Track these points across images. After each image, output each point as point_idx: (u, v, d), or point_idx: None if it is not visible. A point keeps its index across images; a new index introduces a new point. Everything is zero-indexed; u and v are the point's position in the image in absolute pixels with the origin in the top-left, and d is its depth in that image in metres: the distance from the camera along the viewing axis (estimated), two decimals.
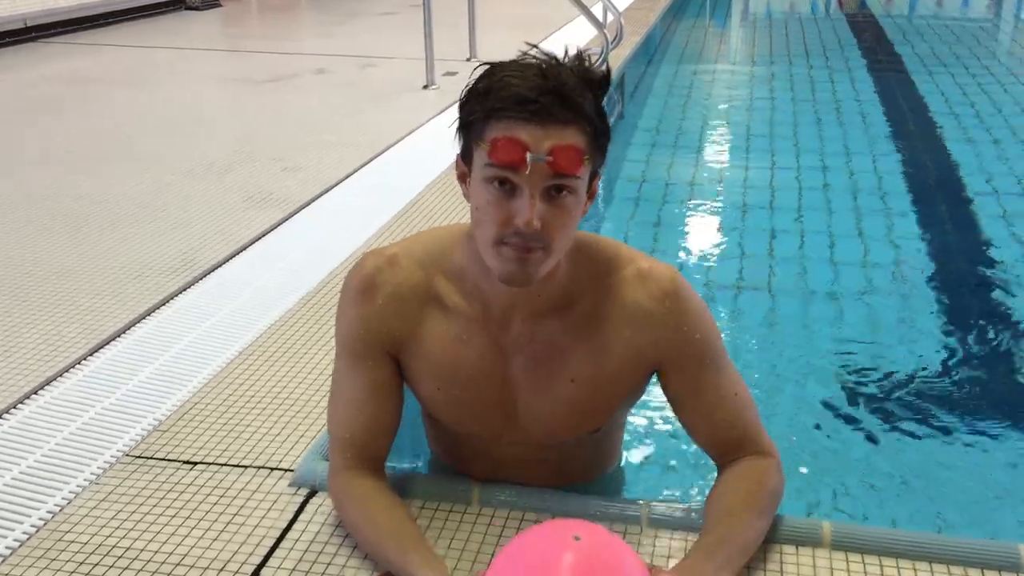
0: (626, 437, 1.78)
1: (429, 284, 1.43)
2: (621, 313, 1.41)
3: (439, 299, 1.43)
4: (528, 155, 1.22)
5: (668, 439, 2.13)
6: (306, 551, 1.50)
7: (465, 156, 1.33)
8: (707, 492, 1.49)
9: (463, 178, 1.35)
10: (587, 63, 1.29)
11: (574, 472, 1.63)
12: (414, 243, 1.48)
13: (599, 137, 1.28)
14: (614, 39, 5.73)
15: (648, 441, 2.16)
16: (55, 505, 1.68)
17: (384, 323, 1.43)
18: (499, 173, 1.24)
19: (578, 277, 1.41)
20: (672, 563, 1.45)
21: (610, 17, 6.17)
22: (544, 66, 1.25)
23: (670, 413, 1.52)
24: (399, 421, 1.50)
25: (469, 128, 1.30)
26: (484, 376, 1.44)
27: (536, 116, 1.22)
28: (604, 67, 1.31)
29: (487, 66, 1.30)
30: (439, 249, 1.45)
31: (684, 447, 2.06)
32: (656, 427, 2.18)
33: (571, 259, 1.40)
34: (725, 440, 1.47)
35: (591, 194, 1.34)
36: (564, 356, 1.42)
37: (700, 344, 1.43)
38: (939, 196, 4.25)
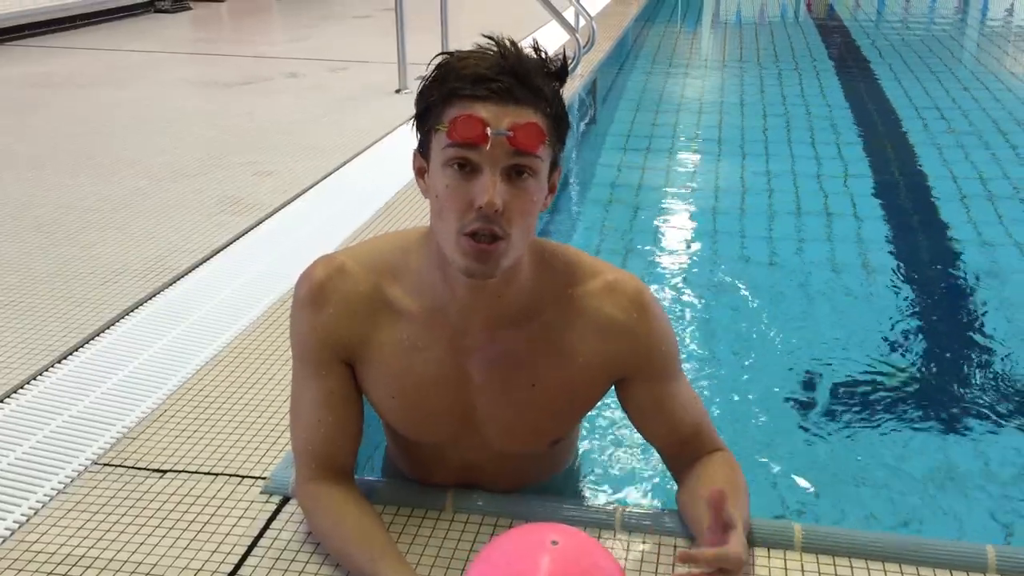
0: (598, 442, 1.78)
1: (381, 290, 1.41)
2: (587, 323, 1.40)
3: (392, 305, 1.41)
4: (488, 130, 1.21)
5: (639, 443, 2.14)
6: (278, 559, 1.49)
7: (423, 150, 1.32)
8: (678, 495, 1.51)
9: (421, 173, 1.34)
10: (545, 54, 1.30)
11: (531, 476, 1.63)
12: (365, 249, 1.47)
13: (558, 123, 1.28)
14: (586, 44, 5.75)
15: (619, 446, 2.16)
16: (22, 515, 1.66)
17: (335, 331, 1.41)
18: (459, 153, 1.23)
19: (542, 287, 1.40)
20: (647, 566, 1.46)
21: (582, 22, 6.20)
22: (503, 51, 1.26)
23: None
24: (361, 427, 1.48)
25: (427, 116, 1.29)
26: (441, 382, 1.42)
27: (495, 95, 1.22)
28: (562, 62, 1.32)
29: (444, 55, 1.29)
30: (391, 255, 1.43)
31: (655, 454, 2.07)
32: (625, 432, 2.19)
33: (535, 268, 1.39)
34: (686, 442, 1.50)
35: (551, 187, 1.33)
36: (525, 363, 1.41)
37: (665, 355, 1.46)
38: (906, 199, 4.31)
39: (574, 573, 1.14)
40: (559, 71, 1.29)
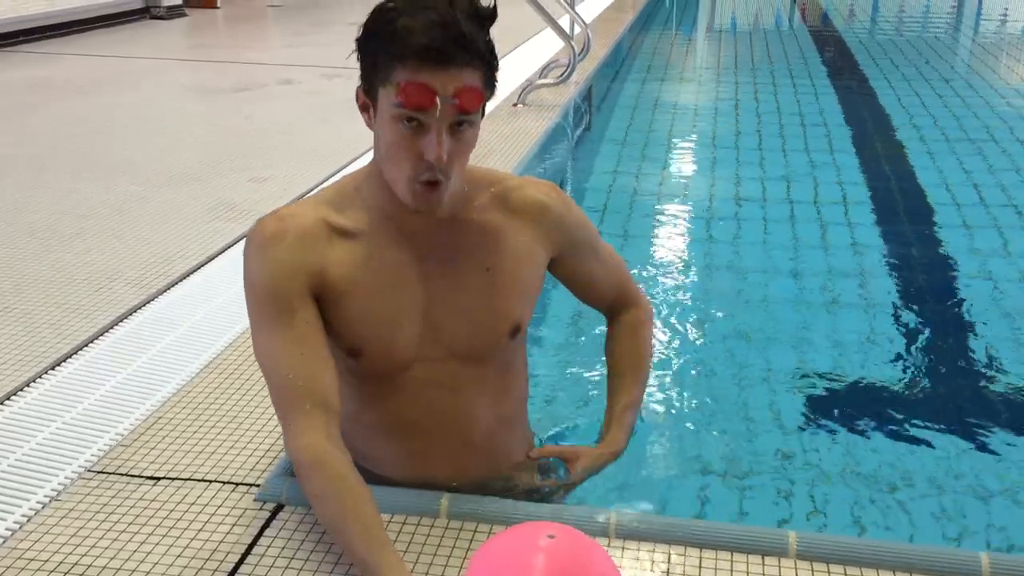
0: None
1: (327, 222, 1.50)
2: (518, 211, 1.58)
3: (341, 230, 1.51)
4: (437, 98, 1.34)
5: (632, 451, 2.14)
6: (272, 567, 1.49)
7: (367, 91, 1.43)
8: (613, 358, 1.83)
9: (366, 108, 1.45)
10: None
11: (487, 411, 1.62)
12: (298, 201, 1.58)
13: (492, 71, 1.42)
14: (581, 51, 5.76)
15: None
16: (14, 522, 1.65)
17: (299, 259, 1.47)
18: (408, 114, 1.36)
19: (470, 191, 1.56)
20: (641, 573, 1.46)
21: (577, 29, 6.21)
22: (438, 11, 1.34)
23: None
24: (336, 366, 1.49)
25: (373, 65, 1.40)
26: (400, 282, 1.52)
27: (440, 63, 1.34)
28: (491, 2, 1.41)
29: (385, 4, 1.38)
30: (326, 195, 1.55)
31: (650, 459, 2.07)
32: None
33: (465, 176, 1.53)
34: (614, 299, 1.82)
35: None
36: (475, 250, 1.55)
37: (587, 228, 1.71)
38: (901, 207, 4.32)
39: (570, 566, 1.16)
40: (488, 13, 1.39)
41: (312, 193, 1.59)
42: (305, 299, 1.48)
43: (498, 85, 1.44)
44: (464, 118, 1.38)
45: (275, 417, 1.94)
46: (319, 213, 1.51)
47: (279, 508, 1.64)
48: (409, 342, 1.54)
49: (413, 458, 1.62)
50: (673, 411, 2.37)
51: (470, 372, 1.58)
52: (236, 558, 1.52)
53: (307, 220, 1.50)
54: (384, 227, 1.51)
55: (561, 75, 5.61)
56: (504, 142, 4.46)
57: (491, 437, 1.64)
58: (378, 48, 1.38)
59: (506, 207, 1.58)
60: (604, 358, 1.85)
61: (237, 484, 1.73)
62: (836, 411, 2.49)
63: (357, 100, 1.47)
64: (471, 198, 1.56)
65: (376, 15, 1.38)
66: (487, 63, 1.39)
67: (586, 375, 2.48)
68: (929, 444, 2.35)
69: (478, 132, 1.44)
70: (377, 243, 1.51)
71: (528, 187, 1.62)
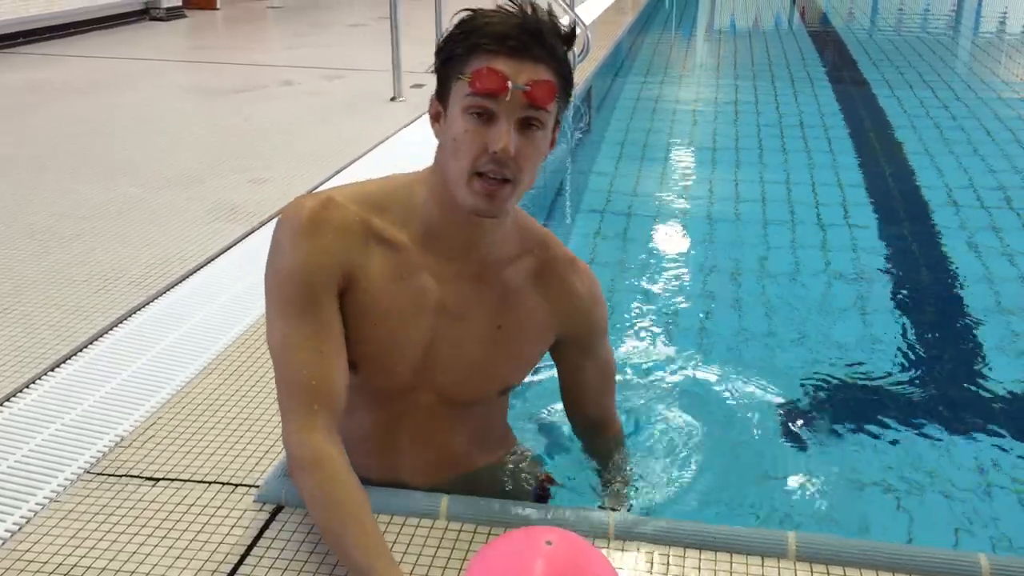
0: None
1: (368, 222, 1.47)
2: (551, 284, 1.57)
3: (380, 235, 1.47)
4: (508, 83, 1.33)
5: (632, 453, 2.14)
6: (271, 568, 1.49)
7: (441, 96, 1.42)
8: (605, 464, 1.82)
9: (437, 117, 1.44)
10: (558, 20, 1.42)
11: (457, 448, 1.62)
12: (349, 188, 1.52)
13: (566, 82, 1.41)
14: (581, 52, 5.76)
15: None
16: (14, 524, 1.65)
17: (334, 255, 1.43)
18: (479, 102, 1.34)
19: (521, 242, 1.55)
20: (640, 575, 1.46)
21: (577, 30, 6.21)
22: (524, 12, 1.38)
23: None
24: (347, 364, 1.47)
25: (449, 64, 1.39)
26: (418, 311, 1.49)
27: (515, 52, 1.34)
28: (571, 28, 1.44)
29: (467, 11, 1.41)
30: (375, 193, 1.51)
31: (649, 460, 2.07)
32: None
33: (517, 225, 1.54)
34: (594, 412, 1.80)
35: (552, 142, 1.45)
36: (496, 305, 1.53)
37: (602, 332, 1.70)
38: (900, 208, 4.32)
39: (568, 571, 1.15)
40: (568, 35, 1.42)
41: (357, 183, 1.54)
42: (332, 295, 1.44)
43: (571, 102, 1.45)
44: (534, 115, 1.36)
45: (274, 419, 1.95)
46: (363, 212, 1.46)
47: (278, 509, 1.64)
48: (405, 372, 1.52)
49: (386, 468, 1.61)
50: (671, 412, 2.37)
51: (453, 411, 1.58)
52: (235, 559, 1.52)
53: (350, 215, 1.45)
54: (421, 246, 1.48)
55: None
56: None
57: (467, 457, 1.66)
58: (456, 44, 1.38)
59: (539, 276, 1.56)
60: (586, 457, 1.85)
61: (236, 485, 1.73)
62: (835, 412, 2.49)
63: (430, 110, 1.45)
64: (516, 252, 1.54)
65: (460, 20, 1.40)
66: (562, 67, 1.39)
67: None
68: (928, 445, 2.35)
69: (549, 143, 1.42)
70: (408, 262, 1.47)
71: (570, 269, 1.59)
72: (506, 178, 1.36)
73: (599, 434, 1.84)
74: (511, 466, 1.76)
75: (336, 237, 1.43)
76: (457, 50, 1.37)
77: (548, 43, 1.37)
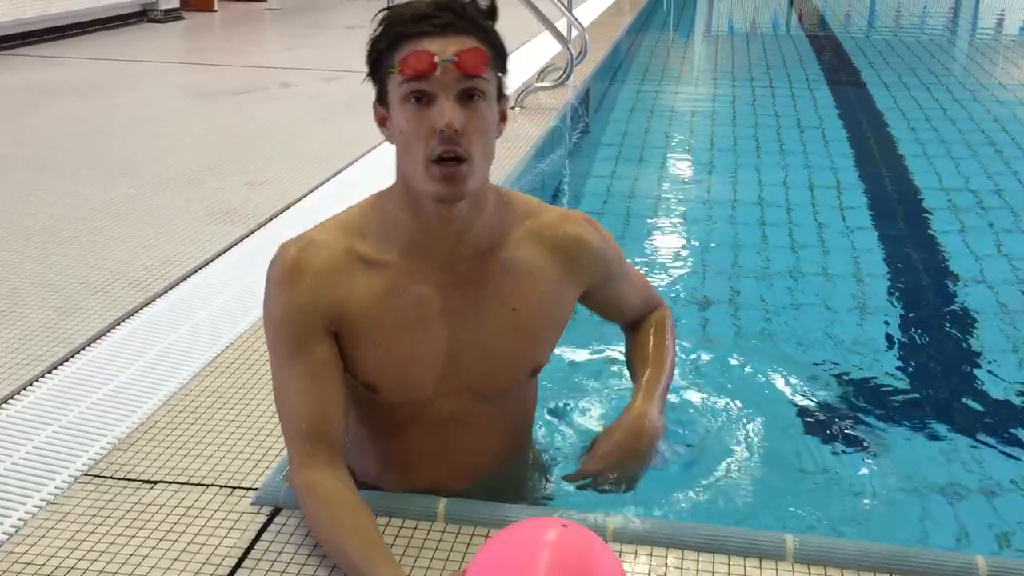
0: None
1: (352, 250, 1.47)
2: (551, 246, 1.54)
3: (365, 260, 1.46)
4: (436, 59, 1.32)
5: None
6: (269, 570, 1.49)
7: (381, 98, 1.42)
8: (626, 347, 1.82)
9: (383, 121, 1.44)
10: None
11: (497, 443, 1.63)
12: (327, 222, 1.53)
13: (497, 50, 1.40)
14: (578, 55, 5.77)
15: None
16: (11, 526, 1.65)
17: (316, 300, 1.44)
18: (413, 87, 1.34)
19: (505, 221, 1.52)
20: None
21: (574, 32, 6.21)
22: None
23: None
24: (346, 398, 1.49)
25: (379, 64, 1.39)
26: (423, 321, 1.47)
27: (438, 29, 1.34)
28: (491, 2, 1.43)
29: (383, 10, 1.41)
30: (354, 218, 1.51)
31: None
32: None
33: (497, 205, 1.51)
34: (641, 312, 1.82)
35: (502, 115, 1.44)
36: (503, 288, 1.50)
37: (619, 256, 1.69)
38: (898, 210, 4.32)
39: (573, 564, 1.16)
40: (490, 7, 1.41)
41: (338, 213, 1.55)
42: (320, 337, 1.45)
43: (509, 73, 1.43)
44: (471, 85, 1.34)
45: (272, 421, 1.96)
46: (346, 241, 1.47)
47: (276, 512, 1.64)
48: (427, 380, 1.51)
49: (432, 479, 1.62)
50: (670, 413, 2.36)
51: (485, 408, 1.57)
52: (233, 562, 1.52)
53: (330, 251, 1.46)
54: (410, 258, 1.47)
55: (558, 78, 5.62)
56: (501, 145, 4.43)
57: (498, 465, 1.66)
58: (380, 41, 1.38)
59: (540, 243, 1.54)
60: (626, 360, 1.83)
61: (234, 488, 1.73)
62: (833, 412, 2.49)
63: (375, 117, 1.45)
64: (505, 231, 1.52)
65: (379, 18, 1.40)
66: (489, 36, 1.38)
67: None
68: (927, 446, 2.35)
69: (497, 114, 1.41)
70: (401, 276, 1.46)
71: (565, 223, 1.57)
72: (459, 156, 1.34)
73: (648, 316, 1.84)
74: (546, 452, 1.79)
75: (316, 280, 1.44)
76: (381, 46, 1.38)
77: (468, 15, 1.37)
